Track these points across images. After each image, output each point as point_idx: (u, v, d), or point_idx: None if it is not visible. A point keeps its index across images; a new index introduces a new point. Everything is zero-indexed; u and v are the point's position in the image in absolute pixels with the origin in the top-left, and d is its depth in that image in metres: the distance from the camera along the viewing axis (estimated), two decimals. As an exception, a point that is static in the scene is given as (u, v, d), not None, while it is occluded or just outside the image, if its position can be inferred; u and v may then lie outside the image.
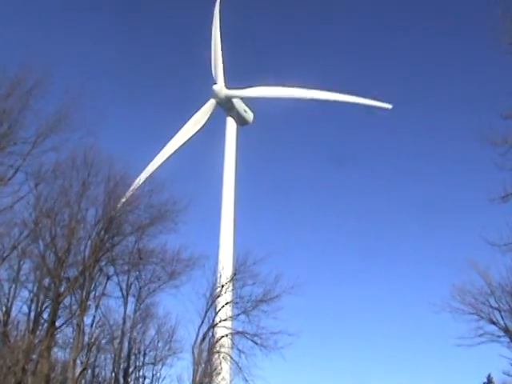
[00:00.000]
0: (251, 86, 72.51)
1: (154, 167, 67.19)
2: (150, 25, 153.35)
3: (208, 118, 72.09)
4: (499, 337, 53.01)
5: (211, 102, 72.38)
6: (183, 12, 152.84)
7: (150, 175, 62.55)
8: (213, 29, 76.04)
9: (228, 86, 72.97)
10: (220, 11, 77.28)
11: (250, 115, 74.97)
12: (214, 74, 73.92)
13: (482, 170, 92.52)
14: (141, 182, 54.56)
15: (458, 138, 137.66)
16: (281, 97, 72.69)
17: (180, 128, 71.36)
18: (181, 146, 70.71)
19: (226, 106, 73.09)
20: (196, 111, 72.33)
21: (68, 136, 42.09)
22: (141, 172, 57.80)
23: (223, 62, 73.78)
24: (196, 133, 71.28)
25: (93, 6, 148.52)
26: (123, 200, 48.38)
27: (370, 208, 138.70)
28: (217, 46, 74.52)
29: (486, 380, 73.86)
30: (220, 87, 72.62)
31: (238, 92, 72.99)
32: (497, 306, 52.87)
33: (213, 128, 72.65)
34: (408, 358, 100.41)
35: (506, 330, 52.45)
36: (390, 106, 71.24)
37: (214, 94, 72.54)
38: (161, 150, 70.17)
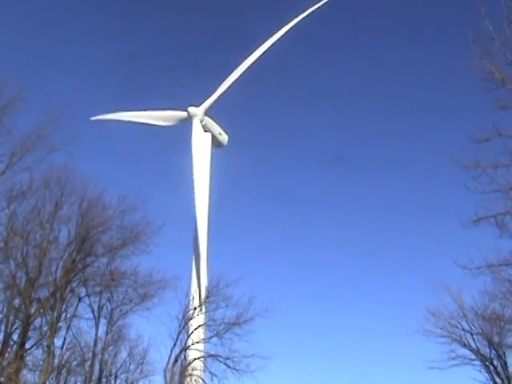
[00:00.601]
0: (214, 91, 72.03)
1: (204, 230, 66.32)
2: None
3: (172, 125, 71.34)
4: (471, 360, 53.50)
5: (196, 122, 71.37)
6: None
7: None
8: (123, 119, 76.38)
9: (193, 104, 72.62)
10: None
11: (224, 137, 74.83)
12: (171, 123, 73.29)
13: (454, 194, 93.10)
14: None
15: (430, 162, 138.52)
16: (245, 69, 71.72)
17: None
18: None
19: (203, 127, 72.63)
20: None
21: (43, 156, 41.91)
22: (115, 194, 57.11)
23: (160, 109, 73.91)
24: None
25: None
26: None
27: (343, 234, 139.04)
28: (143, 115, 74.61)
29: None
30: (191, 108, 72.19)
31: (211, 99, 72.19)
32: (469, 329, 53.44)
33: (188, 149, 72.37)
34: (382, 380, 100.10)
35: (477, 353, 52.91)
36: None
37: (192, 117, 72.08)
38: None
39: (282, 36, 71.57)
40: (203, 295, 53.14)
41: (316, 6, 72.16)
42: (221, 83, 71.06)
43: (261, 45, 71.57)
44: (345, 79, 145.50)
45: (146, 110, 73.07)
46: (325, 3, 72.16)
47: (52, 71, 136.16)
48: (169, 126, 71.97)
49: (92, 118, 73.97)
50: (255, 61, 70.98)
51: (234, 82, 70.69)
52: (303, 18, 71.85)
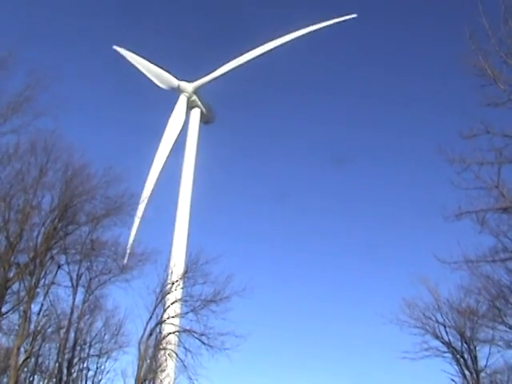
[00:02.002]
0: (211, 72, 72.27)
1: (153, 181, 66.21)
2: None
3: (186, 114, 71.60)
4: (443, 352, 54.21)
5: (182, 98, 71.71)
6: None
7: (151, 191, 62.84)
8: (129, 59, 76.90)
9: (188, 80, 72.78)
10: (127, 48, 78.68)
11: (212, 114, 74.96)
12: (162, 85, 73.65)
13: (439, 187, 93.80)
14: (144, 200, 54.41)
15: (417, 156, 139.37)
16: (248, 60, 71.77)
17: (162, 132, 70.63)
18: (171, 150, 69.90)
19: (192, 100, 72.69)
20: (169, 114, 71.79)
21: (30, 120, 41.47)
22: (101, 165, 56.84)
23: (163, 68, 74.11)
24: (180, 131, 70.68)
25: None
26: None
27: (324, 220, 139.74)
28: (146, 66, 74.99)
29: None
30: (183, 83, 72.20)
31: (206, 78, 72.37)
32: (443, 321, 54.09)
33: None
34: (353, 368, 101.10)
35: (449, 346, 53.59)
36: (355, 15, 72.47)
37: (180, 91, 72.11)
38: (152, 159, 69.16)
39: (292, 40, 71.65)
40: (181, 270, 53.29)
41: (336, 21, 72.29)
42: (219, 66, 71.26)
43: (268, 41, 71.55)
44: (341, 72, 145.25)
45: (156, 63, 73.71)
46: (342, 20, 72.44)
47: (42, 32, 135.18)
48: (161, 88, 72.41)
49: (115, 47, 79.60)
50: (257, 56, 70.97)
51: (232, 69, 70.73)
52: (319, 28, 71.97)
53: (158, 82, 73.89)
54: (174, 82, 72.62)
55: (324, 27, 71.45)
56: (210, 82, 72.17)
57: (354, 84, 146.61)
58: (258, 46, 71.36)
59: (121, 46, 79.24)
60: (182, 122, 70.68)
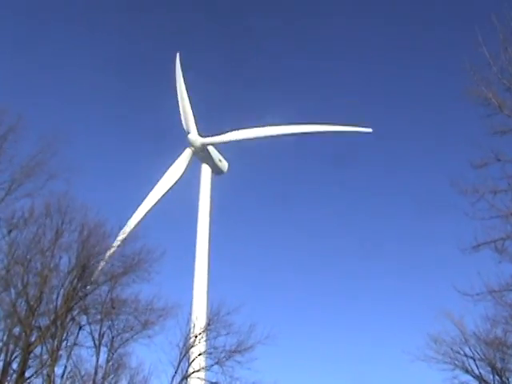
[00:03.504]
0: (224, 133, 73.14)
1: (136, 221, 66.75)
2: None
3: (186, 167, 72.28)
4: (474, 386, 53.19)
5: (187, 151, 72.63)
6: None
7: (133, 229, 62.48)
8: (177, 81, 76.86)
9: (201, 134, 73.59)
10: (181, 63, 78.24)
11: (224, 164, 75.39)
12: (184, 125, 74.51)
13: (454, 219, 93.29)
14: (123, 235, 54.27)
15: (429, 187, 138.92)
16: (258, 137, 72.79)
17: (158, 178, 71.46)
18: (161, 198, 70.55)
19: (201, 155, 73.49)
20: (173, 161, 72.62)
21: (42, 183, 42.04)
22: (116, 223, 57.04)
23: (193, 112, 74.49)
24: (175, 183, 71.28)
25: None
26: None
27: (339, 256, 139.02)
28: (183, 97, 75.24)
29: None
30: (194, 136, 73.06)
31: (214, 139, 73.41)
32: (471, 354, 53.22)
33: (187, 177, 72.76)
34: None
35: (480, 380, 52.61)
36: (370, 130, 72.41)
37: (189, 144, 72.92)
38: (140, 203, 69.84)
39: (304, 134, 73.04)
40: (204, 323, 52.99)
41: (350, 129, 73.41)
42: (232, 129, 72.35)
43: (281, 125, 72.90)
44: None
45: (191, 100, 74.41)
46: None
47: (48, 96, 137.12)
48: (181, 176, 72.79)
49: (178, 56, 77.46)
50: (267, 136, 72.27)
51: (244, 138, 71.74)
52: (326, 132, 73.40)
53: (182, 117, 74.56)
54: (191, 129, 73.32)
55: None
56: (219, 143, 73.29)
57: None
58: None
59: (182, 60, 78.80)
60: (179, 175, 71.33)
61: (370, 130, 72.47)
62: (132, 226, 63.22)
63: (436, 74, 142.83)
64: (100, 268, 49.04)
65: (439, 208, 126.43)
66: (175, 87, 76.84)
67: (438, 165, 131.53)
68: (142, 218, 67.71)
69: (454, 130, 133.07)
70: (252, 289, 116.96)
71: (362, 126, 72.53)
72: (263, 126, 72.70)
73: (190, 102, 75.10)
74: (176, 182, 71.49)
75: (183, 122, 74.76)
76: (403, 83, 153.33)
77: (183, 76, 77.29)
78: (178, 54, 78.85)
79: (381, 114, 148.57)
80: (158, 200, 70.32)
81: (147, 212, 68.91)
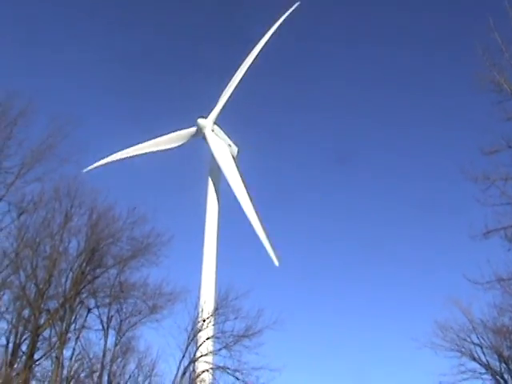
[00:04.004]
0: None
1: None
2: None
3: (183, 143, 71.17)
4: (481, 374, 53.18)
5: (208, 133, 71.31)
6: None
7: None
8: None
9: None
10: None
11: (234, 149, 75.00)
12: (185, 140, 72.61)
13: (464, 206, 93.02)
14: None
15: (440, 174, 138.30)
16: (246, 70, 71.47)
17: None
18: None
19: (212, 138, 72.66)
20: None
21: (52, 167, 42.18)
22: (125, 207, 56.70)
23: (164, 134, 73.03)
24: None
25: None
26: None
27: (345, 242, 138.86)
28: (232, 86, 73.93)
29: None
30: (201, 120, 71.99)
31: (217, 108, 72.32)
32: (479, 342, 53.15)
33: (197, 161, 72.46)
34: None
35: (487, 367, 52.59)
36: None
37: (202, 129, 72.15)
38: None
39: (275, 32, 71.49)
40: (212, 307, 53.13)
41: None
42: (222, 91, 71.26)
43: (255, 44, 71.61)
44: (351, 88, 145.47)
45: (148, 139, 72.45)
46: None
47: (58, 79, 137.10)
48: (180, 145, 71.91)
49: (84, 170, 63.92)
50: (253, 62, 71.02)
51: (236, 87, 70.79)
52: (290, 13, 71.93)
53: (172, 145, 73.09)
54: (191, 129, 72.40)
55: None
56: (223, 108, 72.23)
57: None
58: (248, 52, 71.56)
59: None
60: (227, 151, 70.39)
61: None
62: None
63: (447, 59, 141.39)
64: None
65: (449, 195, 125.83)
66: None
67: (448, 151, 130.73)
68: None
69: (464, 116, 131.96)
70: (260, 273, 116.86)
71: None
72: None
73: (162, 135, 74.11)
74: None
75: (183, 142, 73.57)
76: (413, 69, 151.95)
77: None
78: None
79: (388, 100, 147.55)
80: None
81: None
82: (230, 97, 70.91)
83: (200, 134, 70.42)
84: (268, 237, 64.91)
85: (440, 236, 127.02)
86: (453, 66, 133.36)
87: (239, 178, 67.65)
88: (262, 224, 65.12)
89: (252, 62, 70.95)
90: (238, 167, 69.27)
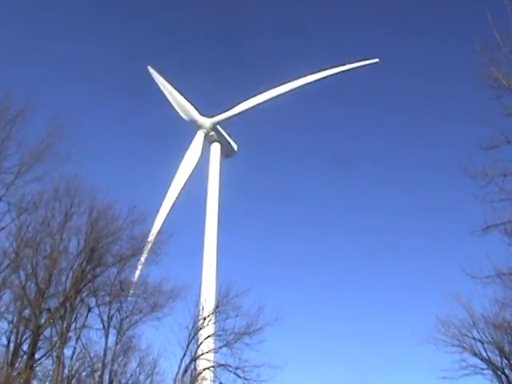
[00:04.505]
0: (229, 109, 72.77)
1: (165, 214, 66.63)
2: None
3: (202, 149, 71.95)
4: (482, 369, 53.21)
5: (200, 134, 72.15)
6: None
7: (163, 223, 62.80)
8: (161, 88, 76.39)
9: (206, 115, 73.26)
10: (158, 70, 78.36)
11: (234, 147, 75.20)
12: (184, 116, 73.83)
13: (463, 202, 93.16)
14: (155, 231, 54.38)
15: (439, 170, 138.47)
16: (268, 99, 72.28)
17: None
18: (184, 186, 70.27)
19: (212, 137, 73.16)
20: (186, 148, 72.32)
21: (52, 166, 42.11)
22: (125, 204, 56.88)
23: (188, 100, 74.00)
24: (196, 166, 70.99)
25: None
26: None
27: (353, 240, 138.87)
28: (172, 93, 74.88)
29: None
30: (202, 118, 72.73)
31: (223, 115, 72.92)
32: (480, 338, 53.18)
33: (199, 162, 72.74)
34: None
35: (489, 363, 52.60)
36: (377, 60, 72.75)
37: (199, 127, 72.61)
38: (164, 195, 69.59)
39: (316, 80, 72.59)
40: (213, 305, 53.19)
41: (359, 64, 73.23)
42: (239, 102, 71.84)
43: (289, 81, 72.48)
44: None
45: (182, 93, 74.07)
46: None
47: (56, 77, 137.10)
48: (182, 118, 72.71)
49: (149, 68, 78.17)
50: (275, 96, 71.86)
51: (252, 107, 71.34)
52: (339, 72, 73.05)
53: (180, 112, 74.22)
54: (195, 115, 72.99)
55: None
56: (228, 118, 72.72)
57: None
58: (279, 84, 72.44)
59: (155, 68, 78.59)
60: (197, 158, 71.04)
61: (376, 60, 73.17)
62: (161, 221, 63.59)
63: (446, 55, 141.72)
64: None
65: (449, 191, 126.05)
66: (160, 93, 76.75)
67: (447, 147, 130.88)
68: (169, 210, 67.46)
69: (464, 111, 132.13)
70: (261, 270, 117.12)
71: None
72: (270, 88, 72.42)
73: (181, 93, 74.96)
74: (196, 165, 71.16)
75: (182, 115, 74.27)
76: (412, 63, 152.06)
77: (164, 78, 76.93)
78: (148, 67, 78.77)
79: (387, 97, 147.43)
80: (182, 188, 69.93)
81: (174, 202, 68.54)
82: (240, 113, 71.57)
83: (196, 128, 71.14)
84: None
85: (440, 232, 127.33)
86: (452, 62, 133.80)
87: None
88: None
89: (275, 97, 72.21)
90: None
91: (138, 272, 53.37)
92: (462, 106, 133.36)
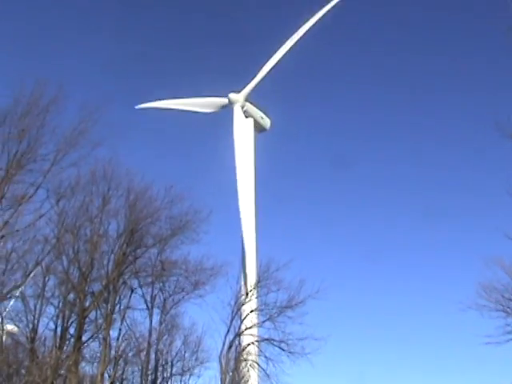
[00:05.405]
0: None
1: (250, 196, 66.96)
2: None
3: (215, 111, 71.55)
4: (528, 333, 52.54)
5: (237, 109, 71.29)
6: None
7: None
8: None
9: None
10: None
11: (266, 121, 74.65)
12: (204, 110, 73.09)
13: (501, 163, 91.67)
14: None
15: (474, 131, 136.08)
16: (286, 52, 71.52)
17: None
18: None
19: (245, 112, 72.65)
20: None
21: (87, 151, 42.41)
22: (162, 185, 56.79)
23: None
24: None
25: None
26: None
27: (389, 209, 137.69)
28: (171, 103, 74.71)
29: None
30: (232, 95, 72.09)
31: (250, 85, 72.26)
32: (524, 301, 52.44)
33: (231, 136, 72.46)
34: (436, 359, 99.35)
35: (533, 326, 51.93)
36: None
37: (233, 102, 72.13)
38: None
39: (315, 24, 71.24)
40: (254, 280, 53.39)
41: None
42: (259, 69, 70.97)
43: (295, 31, 71.21)
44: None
45: (188, 97, 73.67)
46: None
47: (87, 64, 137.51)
48: (210, 113, 72.27)
49: (137, 107, 75.25)
50: (291, 47, 70.74)
51: (273, 67, 70.51)
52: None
53: (202, 110, 73.62)
54: (222, 99, 72.56)
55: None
56: (257, 85, 71.99)
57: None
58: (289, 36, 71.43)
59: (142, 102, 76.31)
60: (249, 130, 70.54)
61: None
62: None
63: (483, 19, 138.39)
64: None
65: (487, 153, 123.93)
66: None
67: (484, 109, 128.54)
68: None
69: (499, 74, 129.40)
70: (301, 244, 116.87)
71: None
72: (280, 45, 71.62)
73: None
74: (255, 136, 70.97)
75: (201, 110, 74.01)
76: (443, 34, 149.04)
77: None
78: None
79: (421, 59, 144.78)
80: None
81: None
82: (264, 76, 70.82)
83: (230, 107, 70.58)
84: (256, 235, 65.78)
85: (479, 195, 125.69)
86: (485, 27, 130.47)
87: (251, 160, 68.24)
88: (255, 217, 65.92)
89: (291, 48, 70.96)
90: (255, 151, 69.75)
91: None
92: (496, 68, 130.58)
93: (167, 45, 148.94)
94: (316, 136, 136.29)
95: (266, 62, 70.76)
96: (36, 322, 45.38)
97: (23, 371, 44.38)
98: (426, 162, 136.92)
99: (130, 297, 49.37)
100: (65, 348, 45.36)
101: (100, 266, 46.63)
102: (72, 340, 45.62)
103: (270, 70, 70.50)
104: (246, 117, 71.65)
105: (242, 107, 70.54)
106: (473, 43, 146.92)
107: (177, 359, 53.28)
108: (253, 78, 70.74)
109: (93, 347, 48.25)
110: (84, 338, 45.60)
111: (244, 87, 70.71)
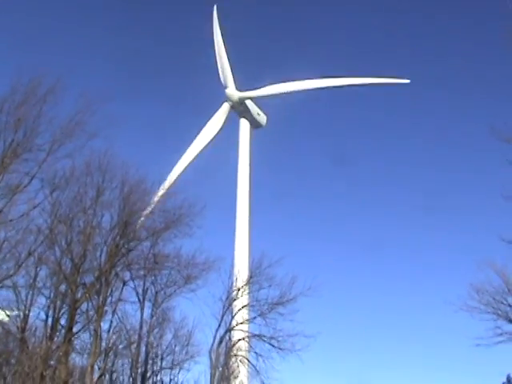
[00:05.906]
0: (262, 87, 72.72)
1: (175, 175, 67.20)
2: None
3: (224, 122, 72.21)
4: (518, 336, 52.65)
5: (225, 106, 72.41)
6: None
7: (173, 183, 62.75)
8: (214, 35, 76.20)
9: (239, 88, 73.18)
10: (218, 16, 77.56)
11: (263, 118, 74.95)
12: (222, 79, 74.11)
13: (497, 167, 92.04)
14: (163, 190, 54.54)
15: (470, 135, 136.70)
16: (295, 91, 72.31)
17: (197, 133, 71.59)
18: (200, 152, 70.84)
19: (239, 109, 73.16)
20: (211, 116, 72.62)
21: (83, 142, 42.22)
22: (156, 178, 57.26)
23: (230, 66, 73.89)
24: (214, 137, 71.35)
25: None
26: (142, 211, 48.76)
27: (384, 208, 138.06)
28: (221, 52, 74.63)
29: (505, 380, 73.12)
30: (232, 90, 72.72)
31: (251, 93, 73.05)
32: (515, 304, 52.56)
33: (226, 131, 72.72)
34: (426, 359, 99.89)
35: (524, 329, 52.05)
36: (408, 81, 71.50)
37: (226, 98, 72.64)
38: (180, 157, 70.20)
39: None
40: (246, 276, 53.42)
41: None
42: (270, 82, 71.85)
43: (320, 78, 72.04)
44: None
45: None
46: None
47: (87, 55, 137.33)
48: (219, 130, 72.76)
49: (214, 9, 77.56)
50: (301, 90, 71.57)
51: (281, 93, 71.09)
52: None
53: (220, 73, 74.22)
54: (228, 82, 73.01)
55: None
56: (256, 97, 72.77)
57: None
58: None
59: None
60: (218, 128, 71.21)
61: (407, 80, 71.49)
62: (172, 181, 63.70)
63: (475, 23, 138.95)
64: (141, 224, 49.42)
65: (481, 156, 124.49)
66: (213, 41, 76.39)
67: (479, 112, 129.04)
68: (181, 172, 68.24)
69: (495, 76, 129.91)
70: (293, 241, 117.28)
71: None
72: (300, 79, 72.01)
73: (228, 57, 74.62)
74: (215, 136, 71.56)
75: (221, 77, 74.37)
76: (442, 34, 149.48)
77: (220, 29, 76.64)
78: (215, 7, 78.15)
79: (419, 63, 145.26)
80: (197, 154, 70.73)
81: (186, 166, 69.34)
82: (268, 95, 71.56)
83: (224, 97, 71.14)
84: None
85: (473, 199, 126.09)
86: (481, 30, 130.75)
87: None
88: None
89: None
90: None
91: None
92: (493, 71, 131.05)
93: (165, 41, 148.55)
94: (311, 133, 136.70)
95: (280, 82, 71.78)
96: (27, 311, 45.37)
97: (13, 361, 44.33)
98: (423, 163, 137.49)
99: (122, 289, 49.35)
100: (55, 339, 45.31)
101: (92, 258, 46.43)
102: (63, 331, 45.51)
103: (276, 94, 71.42)
104: (241, 116, 72.17)
105: (235, 106, 71.04)
106: (470, 48, 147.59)
107: (167, 353, 53.45)
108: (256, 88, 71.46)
109: (83, 338, 48.32)
110: (75, 330, 45.47)
111: (244, 87, 71.44)
